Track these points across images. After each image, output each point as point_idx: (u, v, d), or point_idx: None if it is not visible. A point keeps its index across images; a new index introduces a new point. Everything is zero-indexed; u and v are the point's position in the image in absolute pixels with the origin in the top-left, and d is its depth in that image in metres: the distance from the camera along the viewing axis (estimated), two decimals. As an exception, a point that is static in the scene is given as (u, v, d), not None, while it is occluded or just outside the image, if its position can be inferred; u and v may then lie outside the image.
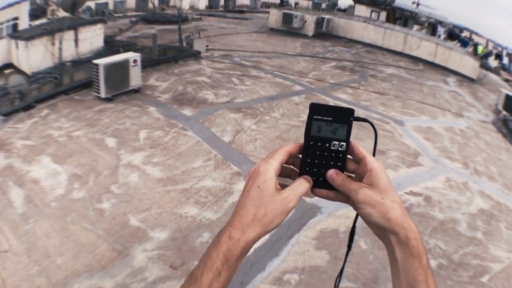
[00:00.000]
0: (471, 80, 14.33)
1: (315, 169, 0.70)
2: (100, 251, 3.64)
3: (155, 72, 9.23)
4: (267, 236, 3.85)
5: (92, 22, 11.78)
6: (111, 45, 12.27)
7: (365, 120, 0.76)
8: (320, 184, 0.70)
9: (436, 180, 5.81)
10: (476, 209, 5.22)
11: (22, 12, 10.47)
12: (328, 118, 0.69)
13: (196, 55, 10.44)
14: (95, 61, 7.10)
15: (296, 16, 16.15)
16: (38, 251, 3.64)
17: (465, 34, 30.15)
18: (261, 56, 11.73)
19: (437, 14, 31.20)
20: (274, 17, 16.94)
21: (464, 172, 6.26)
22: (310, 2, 35.78)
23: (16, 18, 10.27)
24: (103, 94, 7.04)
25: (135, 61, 7.81)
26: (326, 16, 17.09)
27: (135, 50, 11.08)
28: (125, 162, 5.01)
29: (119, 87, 7.62)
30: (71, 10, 11.68)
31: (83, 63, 10.56)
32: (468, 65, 14.92)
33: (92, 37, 11.64)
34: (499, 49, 25.75)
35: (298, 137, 6.33)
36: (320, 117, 0.69)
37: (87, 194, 4.36)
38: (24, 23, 10.70)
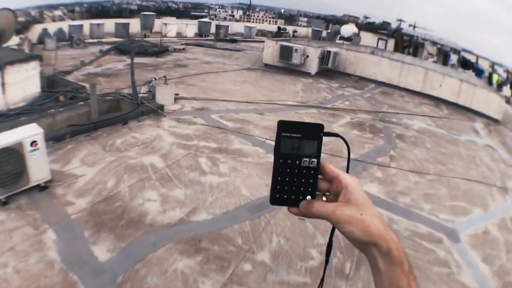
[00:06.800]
0: (495, 121, 12.39)
1: (286, 187, 0.69)
2: None
3: (87, 143, 6.15)
4: None
5: (23, 60, 8.73)
6: (51, 91, 9.24)
7: (336, 135, 0.76)
8: (293, 202, 0.69)
9: None
10: None
11: None
12: (297, 135, 0.68)
13: (157, 112, 7.38)
14: None
15: (296, 50, 13.21)
16: None
17: (467, 56, 27.85)
18: (250, 109, 8.67)
19: (448, 40, 28.73)
20: (269, 50, 13.96)
21: None
22: (310, 30, 33.32)
23: None
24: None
25: (33, 143, 4.73)
26: (333, 50, 14.17)
27: (74, 104, 8.06)
28: None
29: (12, 184, 4.56)
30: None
31: (11, 117, 7.56)
32: (493, 104, 12.80)
33: (24, 80, 8.63)
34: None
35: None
36: (289, 134, 0.68)
37: None
38: None
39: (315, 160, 0.68)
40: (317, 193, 0.70)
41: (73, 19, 36.67)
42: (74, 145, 6.14)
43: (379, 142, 7.97)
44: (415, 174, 6.92)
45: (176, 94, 8.37)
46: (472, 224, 5.81)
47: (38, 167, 4.74)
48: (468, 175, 7.45)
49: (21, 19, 24.69)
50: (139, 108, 7.25)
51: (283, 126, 0.68)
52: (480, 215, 6.12)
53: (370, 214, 0.64)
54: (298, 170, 0.68)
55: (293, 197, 0.68)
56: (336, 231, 0.71)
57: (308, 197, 0.68)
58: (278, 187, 0.68)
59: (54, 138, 6.30)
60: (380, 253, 0.63)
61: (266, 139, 6.77)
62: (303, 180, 0.68)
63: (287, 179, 0.68)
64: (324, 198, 0.70)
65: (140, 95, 7.97)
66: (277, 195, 0.69)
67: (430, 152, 8.28)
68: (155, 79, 8.09)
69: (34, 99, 8.70)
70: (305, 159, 0.68)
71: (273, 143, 0.70)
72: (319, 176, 0.70)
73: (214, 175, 5.32)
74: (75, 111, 7.89)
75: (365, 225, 0.63)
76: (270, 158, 5.93)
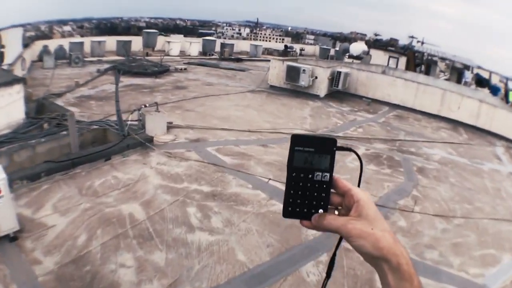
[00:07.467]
0: (514, 143, 11.59)
1: (299, 201, 0.69)
2: None
3: (63, 184, 5.31)
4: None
5: (7, 83, 8.01)
6: (35, 117, 8.48)
7: (349, 149, 0.75)
8: (305, 216, 0.69)
9: None
10: None
11: None
12: (310, 149, 0.68)
13: (145, 145, 6.51)
14: None
15: (304, 70, 12.37)
16: None
17: (480, 72, 26.75)
18: (252, 140, 7.77)
19: (462, 57, 27.66)
20: (275, 71, 13.15)
21: None
22: (317, 48, 32.64)
23: None
24: None
25: (-4, 191, 3.95)
26: (343, 70, 13.31)
27: (57, 133, 7.27)
28: None
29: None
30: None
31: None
32: (512, 125, 11.93)
33: (8, 105, 7.93)
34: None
35: None
36: (302, 148, 0.68)
37: None
38: None
39: (327, 174, 0.68)
40: (329, 207, 0.69)
41: (82, 35, 36.51)
42: (50, 186, 5.34)
43: (399, 179, 7.00)
44: (441, 219, 5.96)
45: (169, 123, 7.53)
46: (501, 275, 5.07)
47: (5, 216, 4.05)
48: (495, 214, 6.61)
49: (31, 33, 24.30)
50: (124, 140, 6.40)
51: (297, 140, 0.68)
52: (509, 262, 5.38)
53: (381, 229, 0.64)
54: (310, 184, 0.68)
55: (305, 210, 0.68)
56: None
57: (321, 211, 0.68)
58: (290, 200, 0.68)
59: (29, 177, 5.52)
60: (390, 268, 0.63)
61: (270, 179, 5.83)
62: (315, 194, 0.68)
63: (299, 192, 0.68)
64: (336, 212, 0.69)
65: (129, 122, 7.15)
66: (290, 208, 0.69)
67: (455, 188, 7.33)
68: (145, 106, 7.26)
69: (19, 126, 7.97)
70: (318, 173, 0.68)
71: (277, 184, 0.73)
72: (332, 190, 0.69)
73: (204, 231, 4.37)
74: (57, 142, 7.11)
75: (375, 240, 0.62)
76: (273, 206, 4.95)
